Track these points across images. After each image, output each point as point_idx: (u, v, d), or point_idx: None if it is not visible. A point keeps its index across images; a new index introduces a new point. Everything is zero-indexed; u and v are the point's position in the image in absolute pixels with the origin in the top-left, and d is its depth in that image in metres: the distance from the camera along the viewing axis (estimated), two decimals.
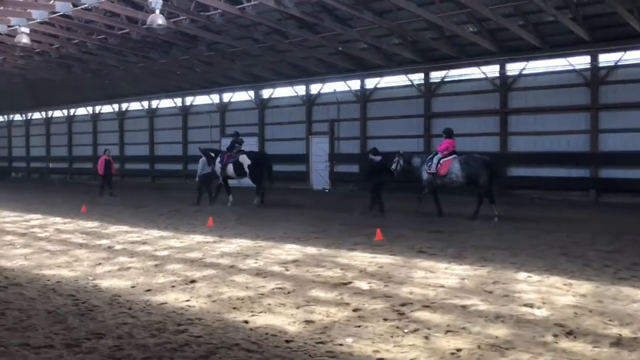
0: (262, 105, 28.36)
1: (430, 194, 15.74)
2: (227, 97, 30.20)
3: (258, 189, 18.72)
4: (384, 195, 15.90)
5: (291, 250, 10.18)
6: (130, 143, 35.93)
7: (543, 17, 18.84)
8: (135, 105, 35.52)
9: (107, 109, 37.47)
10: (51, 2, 18.35)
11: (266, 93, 28.38)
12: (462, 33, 19.55)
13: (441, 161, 15.32)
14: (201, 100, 31.70)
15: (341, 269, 8.44)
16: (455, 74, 22.88)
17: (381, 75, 23.99)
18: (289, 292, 7.10)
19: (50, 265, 9.08)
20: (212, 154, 20.03)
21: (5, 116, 46.52)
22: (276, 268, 8.59)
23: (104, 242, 11.49)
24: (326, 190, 25.41)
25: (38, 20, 18.79)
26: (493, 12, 17.55)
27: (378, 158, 15.96)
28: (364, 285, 7.46)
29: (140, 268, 8.73)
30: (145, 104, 34.51)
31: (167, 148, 32.86)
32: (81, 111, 39.50)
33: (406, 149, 22.10)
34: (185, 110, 32.29)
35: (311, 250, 10.19)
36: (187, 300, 6.76)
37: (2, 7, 18.70)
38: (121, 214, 17.08)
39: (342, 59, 23.46)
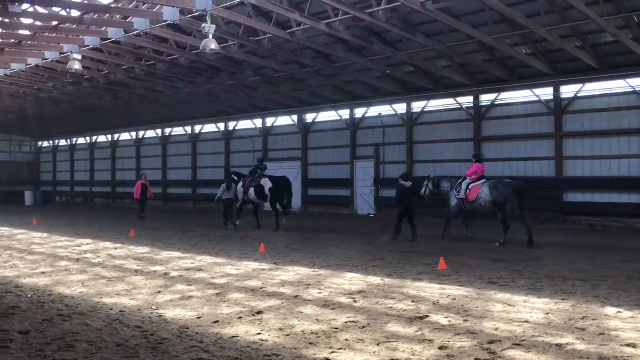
0: (305, 129, 28.22)
1: (459, 219, 15.82)
2: (270, 121, 30.15)
3: (277, 213, 18.97)
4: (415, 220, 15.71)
5: (353, 280, 9.76)
6: (172, 168, 36.19)
7: (601, 38, 18.28)
8: (178, 130, 35.84)
9: (150, 133, 37.92)
10: (103, 29, 18.61)
11: (309, 117, 28.22)
12: (516, 55, 19.01)
13: (470, 186, 15.15)
14: (244, 124, 31.76)
15: (413, 301, 7.98)
16: (507, 96, 22.28)
17: (429, 98, 23.57)
18: (364, 327, 6.69)
19: (110, 293, 8.86)
20: (235, 178, 20.28)
21: (51, 141, 47.59)
22: (343, 299, 8.18)
23: (159, 268, 11.29)
24: (371, 216, 24.93)
25: (90, 46, 19.00)
26: (550, 33, 17.01)
27: (408, 184, 15.75)
28: (441, 319, 7.00)
29: (202, 297, 8.44)
30: (189, 128, 34.78)
31: (210, 172, 32.91)
32: (125, 136, 40.11)
33: (455, 174, 21.80)
34: (228, 135, 32.37)
35: (374, 280, 9.75)
36: (259, 334, 6.40)
37: (55, 34, 19.05)
38: (170, 238, 16.97)
39: (389, 83, 23.16)
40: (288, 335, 6.36)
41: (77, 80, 25.02)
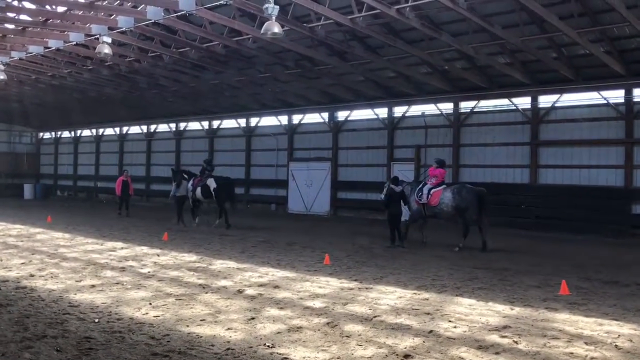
0: (336, 127, 26.53)
1: (417, 223, 15.76)
2: (297, 118, 28.44)
3: (221, 212, 19.70)
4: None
5: (477, 308, 8.14)
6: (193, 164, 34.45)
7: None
8: (193, 125, 34.04)
9: (163, 127, 36.06)
10: (112, 17, 17.16)
11: (342, 115, 26.52)
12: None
13: (432, 191, 15.05)
14: (268, 121, 30.02)
15: (585, 343, 6.39)
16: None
17: (479, 98, 22.01)
18: None
19: (192, 318, 7.22)
20: (186, 176, 21.04)
21: (53, 132, 45.54)
22: (494, 337, 6.56)
23: (227, 283, 9.64)
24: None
25: (123, 28, 17.29)
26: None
27: (399, 188, 15.21)
28: None
29: (314, 329, 6.81)
30: (206, 123, 32.99)
31: (229, 170, 31.08)
32: (134, 129, 38.21)
33: (507, 180, 20.45)
34: (249, 132, 30.62)
35: (504, 309, 8.11)
36: None
37: (81, 12, 17.36)
38: (210, 243, 15.31)
39: (437, 79, 21.53)
40: None
41: (97, 66, 23.21)
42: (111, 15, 17.18)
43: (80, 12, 17.32)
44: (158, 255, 12.85)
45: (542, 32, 17.12)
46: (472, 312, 7.84)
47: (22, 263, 11.32)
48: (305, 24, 16.85)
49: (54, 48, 20.01)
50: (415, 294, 9.09)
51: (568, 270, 11.75)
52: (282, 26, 14.25)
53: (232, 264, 11.87)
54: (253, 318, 7.30)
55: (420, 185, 15.53)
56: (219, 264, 11.76)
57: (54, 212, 24.61)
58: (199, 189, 20.11)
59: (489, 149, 21.67)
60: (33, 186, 42.40)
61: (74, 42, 18.93)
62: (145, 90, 27.39)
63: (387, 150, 24.45)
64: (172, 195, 21.51)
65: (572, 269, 11.98)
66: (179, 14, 16.88)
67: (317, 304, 8.21)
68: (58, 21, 17.84)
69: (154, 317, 7.29)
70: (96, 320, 7.01)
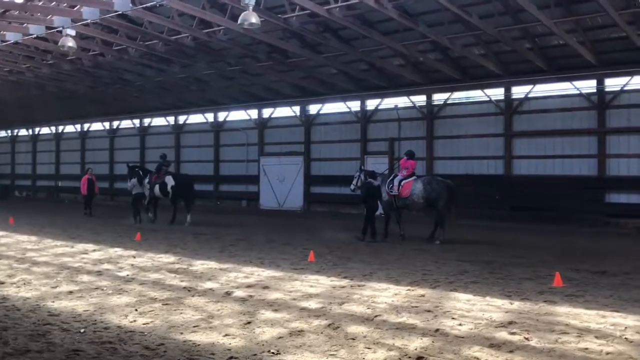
0: (308, 121, 26.17)
1: (387, 215, 15.65)
2: (267, 112, 27.93)
3: (175, 210, 19.65)
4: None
5: (476, 303, 7.95)
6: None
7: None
8: (158, 121, 33.14)
9: (126, 123, 35.03)
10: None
11: (314, 109, 26.15)
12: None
13: (402, 183, 15.00)
14: (236, 115, 29.41)
15: (596, 337, 6.24)
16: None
17: (452, 90, 21.97)
18: None
19: (184, 324, 6.79)
20: (141, 173, 20.78)
21: (9, 131, 43.79)
22: (503, 334, 6.36)
23: (212, 285, 9.22)
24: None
25: (87, 20, 16.54)
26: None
27: (377, 182, 15.28)
28: None
29: (316, 332, 6.48)
30: (172, 119, 32.16)
31: (196, 167, 30.39)
32: (96, 126, 37.01)
33: (481, 172, 20.49)
34: (218, 127, 29.95)
35: (504, 304, 7.94)
36: None
37: (42, 3, 16.54)
38: (185, 243, 14.80)
39: (410, 71, 21.38)
40: None
41: (58, 60, 22.26)
42: (74, 7, 16.43)
43: (41, 3, 16.52)
44: (134, 257, 12.29)
45: (517, 23, 17.12)
46: (472, 308, 7.64)
47: None
48: (279, 15, 16.42)
49: (11, 41, 19.03)
50: (409, 290, 8.85)
51: (553, 261, 11.74)
52: None
53: (213, 264, 11.43)
54: (249, 322, 6.93)
55: (391, 177, 15.47)
56: (199, 265, 11.30)
57: (14, 213, 23.53)
58: (157, 187, 19.90)
59: (463, 141, 21.73)
60: None
61: (34, 35, 18.02)
62: (109, 85, 26.46)
63: (361, 143, 24.26)
64: (131, 191, 20.85)
65: (557, 260, 11.98)
66: (148, 5, 16.24)
67: (313, 304, 7.87)
68: (17, 12, 16.97)
69: (144, 324, 6.83)
70: (82, 331, 6.51)
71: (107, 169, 35.06)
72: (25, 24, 17.52)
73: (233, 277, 10.00)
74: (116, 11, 16.10)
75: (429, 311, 7.47)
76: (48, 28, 17.46)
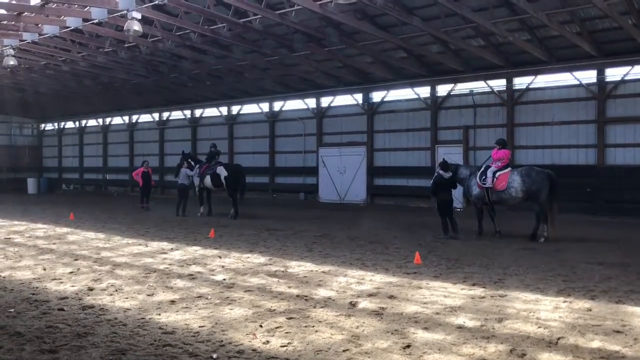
0: (371, 110, 24.78)
1: (479, 210, 14.25)
2: (326, 101, 26.65)
3: (234, 202, 18.53)
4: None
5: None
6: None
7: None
8: (211, 112, 32.16)
9: (176, 114, 34.16)
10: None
11: (378, 96, 24.74)
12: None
13: (497, 174, 13.59)
14: (294, 105, 28.21)
15: None
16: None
17: (536, 73, 20.32)
18: None
19: (332, 348, 5.61)
20: (193, 163, 19.96)
21: (55, 123, 43.51)
22: None
23: (327, 293, 8.06)
24: (458, 210, 21.66)
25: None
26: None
27: (448, 174, 14.02)
28: None
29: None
30: (224, 109, 31.13)
31: (251, 158, 29.33)
32: (145, 117, 36.29)
33: (570, 162, 19.00)
34: (273, 117, 28.80)
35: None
36: None
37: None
38: (265, 240, 13.67)
39: (491, 53, 19.73)
40: None
41: (116, 48, 21.35)
42: None
43: None
44: (220, 257, 11.19)
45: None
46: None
47: (71, 272, 9.61)
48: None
49: (71, 27, 18.12)
50: (566, 302, 7.46)
51: None
52: None
53: (310, 265, 10.25)
54: (408, 346, 5.67)
55: (483, 168, 14.06)
56: (296, 267, 10.12)
57: (69, 207, 22.81)
58: (208, 177, 19.00)
59: (548, 129, 20.26)
60: (36, 180, 40.58)
61: (96, 20, 17.08)
62: (164, 75, 25.51)
63: (431, 132, 23.02)
64: (180, 182, 19.94)
65: None
66: None
67: (466, 321, 6.57)
68: None
69: (282, 347, 5.65)
70: (214, 357, 5.36)
71: (157, 161, 34.24)
72: (87, 8, 16.53)
73: (344, 282, 8.78)
74: None
75: (618, 332, 6.10)
76: (111, 11, 16.45)
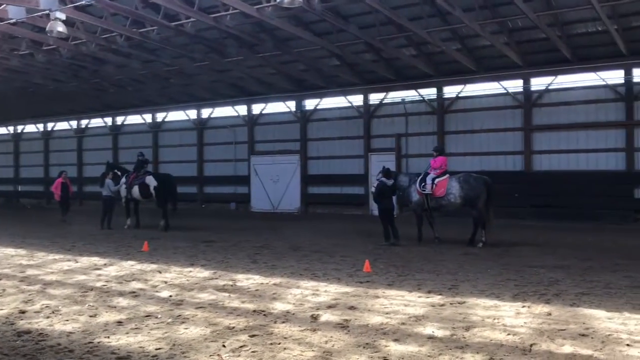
0: (304, 117, 24.59)
1: (418, 217, 14.42)
2: (258, 108, 26.19)
3: (165, 213, 17.74)
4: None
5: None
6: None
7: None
8: (134, 119, 30.84)
9: (96, 122, 32.52)
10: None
11: (311, 104, 24.57)
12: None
13: (436, 181, 13.80)
14: (221, 112, 27.56)
15: None
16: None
17: (465, 82, 20.90)
18: None
19: None
20: (119, 173, 19.14)
21: None
22: None
23: (284, 307, 7.68)
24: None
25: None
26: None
27: (390, 181, 14.18)
28: None
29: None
30: (149, 117, 29.95)
31: (177, 167, 28.31)
32: (61, 125, 34.30)
33: (498, 168, 19.61)
34: (202, 124, 27.98)
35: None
36: None
37: None
38: (204, 253, 13.09)
39: (422, 62, 20.14)
40: None
41: (32, 51, 19.98)
42: None
43: None
44: (160, 272, 10.54)
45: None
46: (632, 329, 6.38)
47: None
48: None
49: None
50: (525, 307, 7.52)
51: (627, 265, 10.72)
52: None
53: (258, 278, 9.84)
54: (385, 358, 5.45)
55: (422, 175, 14.24)
56: (245, 280, 9.67)
57: None
58: (136, 188, 18.21)
59: (477, 136, 20.94)
60: None
61: (14, 20, 15.85)
62: (85, 80, 24.19)
63: (364, 140, 23.30)
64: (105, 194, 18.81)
65: (623, 262, 10.96)
66: None
67: (435, 330, 6.43)
68: None
69: None
70: None
71: (76, 171, 32.41)
72: (3, 6, 15.29)
73: (299, 294, 8.46)
74: None
75: (584, 335, 6.16)
76: (30, 11, 15.31)
